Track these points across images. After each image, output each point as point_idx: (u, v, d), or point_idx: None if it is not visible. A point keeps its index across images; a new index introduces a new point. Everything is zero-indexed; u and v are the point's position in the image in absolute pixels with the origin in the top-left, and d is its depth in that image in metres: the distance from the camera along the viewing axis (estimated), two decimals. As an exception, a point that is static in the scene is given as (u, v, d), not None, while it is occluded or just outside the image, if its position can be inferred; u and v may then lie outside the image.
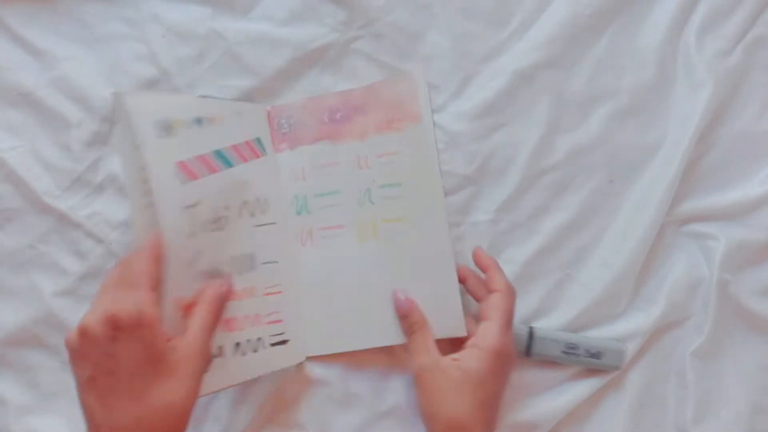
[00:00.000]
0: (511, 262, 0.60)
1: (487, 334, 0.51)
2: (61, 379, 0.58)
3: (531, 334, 0.57)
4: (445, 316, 0.55)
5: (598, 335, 0.59)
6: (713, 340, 0.59)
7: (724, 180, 0.61)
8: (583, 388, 0.58)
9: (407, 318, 0.55)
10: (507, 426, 0.58)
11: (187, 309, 0.50)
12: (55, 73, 0.60)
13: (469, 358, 0.51)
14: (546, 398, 0.59)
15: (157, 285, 0.47)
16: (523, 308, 0.59)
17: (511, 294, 0.54)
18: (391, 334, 0.56)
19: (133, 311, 0.43)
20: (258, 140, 0.58)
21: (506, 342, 0.51)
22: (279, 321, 0.57)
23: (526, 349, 0.57)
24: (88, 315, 0.44)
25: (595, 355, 0.56)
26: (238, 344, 0.54)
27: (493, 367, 0.50)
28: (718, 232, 0.60)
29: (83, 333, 0.43)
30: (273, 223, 0.57)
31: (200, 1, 0.61)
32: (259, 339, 0.55)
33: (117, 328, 0.43)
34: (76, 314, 0.58)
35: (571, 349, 0.56)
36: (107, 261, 0.59)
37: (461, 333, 0.55)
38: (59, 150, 0.60)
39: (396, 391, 0.58)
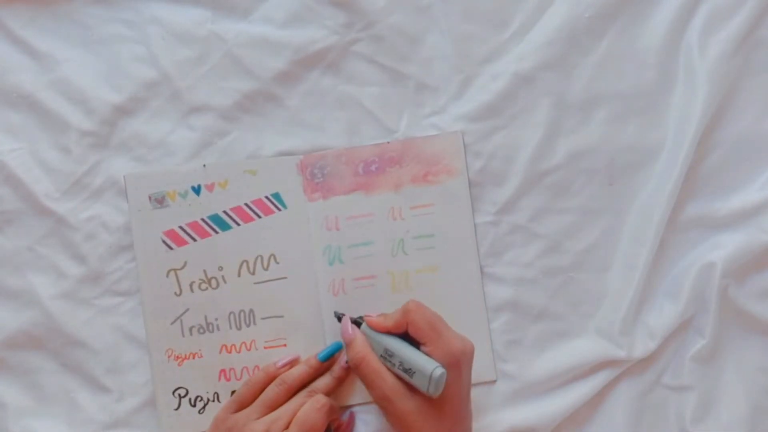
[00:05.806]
0: (512, 264, 0.60)
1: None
2: (60, 381, 0.58)
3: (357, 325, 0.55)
4: (475, 362, 0.53)
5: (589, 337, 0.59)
6: (714, 342, 0.59)
7: (725, 185, 0.61)
8: (583, 390, 0.58)
9: (352, 347, 0.52)
10: (506, 429, 0.57)
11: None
12: (55, 75, 0.60)
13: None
14: (546, 400, 0.58)
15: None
16: (524, 310, 0.59)
17: (418, 305, 0.52)
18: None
19: None
20: (276, 195, 0.59)
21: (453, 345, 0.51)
22: None
23: None
24: None
25: (408, 372, 0.49)
26: (234, 392, 0.57)
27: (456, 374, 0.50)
28: (719, 237, 0.60)
29: None
30: (283, 278, 0.58)
31: (200, 3, 0.61)
32: None
33: None
34: (74, 317, 0.58)
35: (388, 355, 0.51)
36: (106, 264, 0.59)
37: (491, 377, 0.58)
38: (59, 152, 0.59)
39: None
